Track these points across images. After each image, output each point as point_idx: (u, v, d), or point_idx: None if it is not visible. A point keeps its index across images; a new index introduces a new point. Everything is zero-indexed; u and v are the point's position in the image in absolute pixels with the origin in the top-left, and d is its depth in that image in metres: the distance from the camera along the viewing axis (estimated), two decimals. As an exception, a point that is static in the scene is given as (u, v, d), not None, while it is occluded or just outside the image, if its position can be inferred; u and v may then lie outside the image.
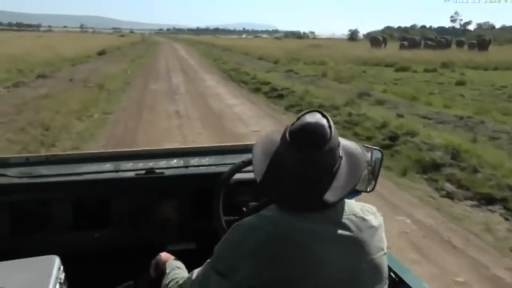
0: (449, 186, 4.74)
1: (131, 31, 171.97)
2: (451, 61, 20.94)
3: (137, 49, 34.90)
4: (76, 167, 1.75)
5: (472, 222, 3.87)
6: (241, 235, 0.95)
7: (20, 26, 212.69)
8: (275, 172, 0.97)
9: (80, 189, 1.65)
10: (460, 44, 40.98)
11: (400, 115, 8.20)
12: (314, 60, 21.33)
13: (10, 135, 6.15)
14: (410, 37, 44.50)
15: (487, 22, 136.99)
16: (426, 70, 18.37)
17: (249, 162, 1.32)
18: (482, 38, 38.94)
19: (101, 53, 25.29)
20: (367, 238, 0.95)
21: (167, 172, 1.72)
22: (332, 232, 0.92)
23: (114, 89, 11.47)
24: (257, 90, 12.12)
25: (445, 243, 3.45)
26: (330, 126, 0.94)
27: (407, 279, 1.25)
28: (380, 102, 9.88)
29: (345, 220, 0.94)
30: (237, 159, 1.52)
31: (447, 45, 39.34)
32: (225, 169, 1.48)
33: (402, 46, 35.18)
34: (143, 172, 1.69)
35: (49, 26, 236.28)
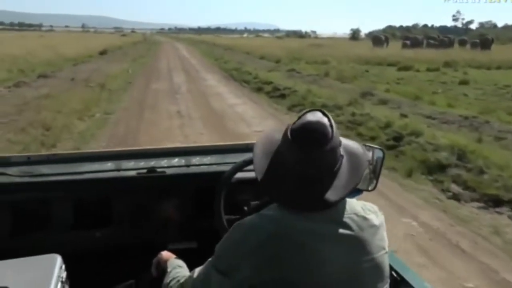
0: (455, 188, 4.67)
1: (133, 31, 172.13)
2: (454, 60, 20.82)
3: (138, 48, 34.86)
4: (77, 166, 1.75)
5: (479, 225, 3.79)
6: (242, 234, 0.94)
7: (22, 26, 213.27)
8: (276, 171, 0.97)
9: (81, 188, 1.65)
10: (462, 43, 40.80)
11: (404, 115, 8.12)
12: (316, 59, 21.25)
13: (10, 136, 6.10)
14: (413, 36, 44.34)
15: (490, 21, 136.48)
16: (428, 69, 18.27)
17: (250, 161, 1.31)
18: (485, 37, 38.79)
19: (103, 52, 25.27)
20: (368, 237, 0.94)
21: (169, 171, 1.72)
22: (333, 232, 0.92)
23: (115, 88, 11.42)
24: (259, 89, 12.06)
25: (452, 246, 3.38)
26: (331, 125, 0.93)
27: (408, 278, 1.25)
28: (383, 102, 9.80)
29: (346, 219, 0.94)
30: (238, 158, 1.51)
31: (449, 44, 39.20)
32: (226, 168, 1.47)
33: (404, 45, 35.05)
34: (144, 171, 1.69)
35: (51, 26, 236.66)
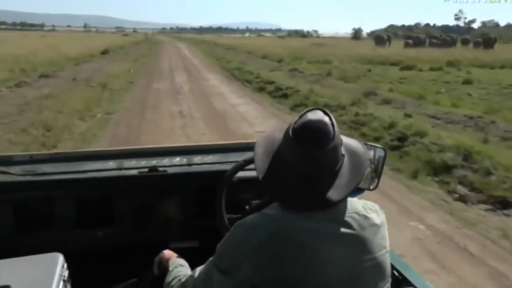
0: (461, 189, 4.59)
1: (134, 31, 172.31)
2: (457, 59, 20.70)
3: (140, 48, 34.84)
4: (80, 165, 1.76)
5: (487, 227, 3.71)
6: (244, 233, 0.94)
7: (24, 26, 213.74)
8: (277, 170, 0.96)
9: (83, 187, 1.65)
10: (465, 42, 40.64)
11: (408, 115, 8.04)
12: (318, 59, 21.16)
13: (11, 136, 6.06)
14: (415, 36, 44.20)
15: (492, 20, 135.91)
16: (431, 69, 18.17)
17: (251, 161, 1.30)
18: (488, 36, 38.59)
19: (104, 52, 25.25)
20: (369, 236, 0.94)
21: (170, 170, 1.72)
22: (334, 231, 0.92)
23: (117, 88, 11.37)
24: (261, 89, 11.99)
25: (461, 250, 3.30)
26: (333, 124, 0.93)
27: (410, 277, 1.24)
28: (386, 102, 9.72)
29: (347, 218, 0.94)
30: (240, 157, 1.51)
31: (452, 43, 39.07)
32: (228, 167, 1.46)
33: (406, 45, 34.94)
34: (146, 170, 1.69)
35: (53, 26, 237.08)
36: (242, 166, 1.42)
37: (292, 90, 11.04)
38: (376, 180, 1.44)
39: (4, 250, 1.30)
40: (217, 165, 1.80)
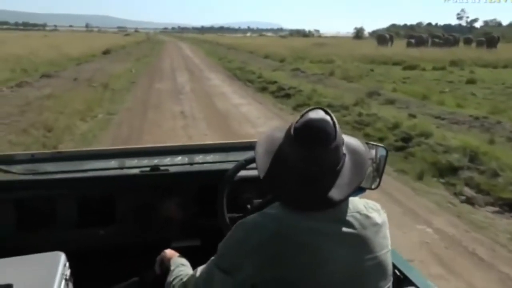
0: (468, 191, 4.51)
1: (136, 30, 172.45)
2: (460, 59, 20.59)
3: (142, 48, 34.80)
4: (81, 164, 1.77)
5: (496, 231, 3.63)
6: (245, 233, 0.94)
7: (26, 26, 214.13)
8: (278, 169, 0.96)
9: (85, 186, 1.65)
10: (467, 41, 40.46)
11: (412, 115, 7.95)
12: (321, 58, 21.09)
13: (11, 137, 6.00)
14: (417, 35, 44.05)
15: (494, 19, 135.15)
16: (434, 68, 18.07)
17: (252, 160, 1.28)
18: (491, 35, 38.41)
19: (106, 52, 25.22)
20: (371, 236, 0.94)
21: (172, 169, 1.72)
22: (336, 231, 0.91)
23: (118, 88, 11.31)
24: (263, 89, 11.92)
25: (469, 254, 3.22)
26: (334, 124, 0.93)
27: (411, 276, 1.23)
28: (390, 102, 9.64)
29: (349, 217, 0.93)
30: (242, 156, 1.51)
31: (454, 42, 38.93)
32: (229, 166, 1.46)
33: (409, 44, 34.84)
34: (147, 169, 1.69)
35: (55, 26, 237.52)
36: (243, 165, 1.41)
37: (294, 90, 10.97)
38: (377, 179, 1.44)
39: (6, 249, 1.31)
40: (218, 164, 1.80)
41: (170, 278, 1.18)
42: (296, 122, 0.94)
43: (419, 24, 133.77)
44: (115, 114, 8.15)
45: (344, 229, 0.92)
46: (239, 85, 13.10)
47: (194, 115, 8.22)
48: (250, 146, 1.68)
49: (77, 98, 9.03)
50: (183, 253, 1.32)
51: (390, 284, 0.98)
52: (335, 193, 0.91)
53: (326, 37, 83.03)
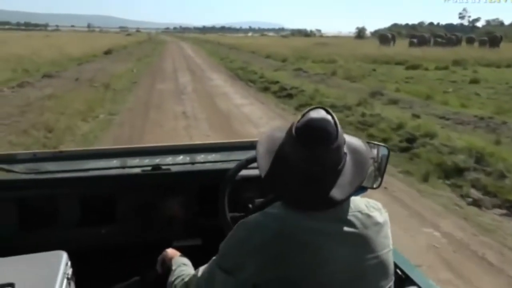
0: (474, 193, 4.43)
1: (138, 30, 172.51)
2: (462, 58, 20.49)
3: (143, 48, 34.77)
4: (83, 163, 1.78)
5: (504, 234, 3.55)
6: (247, 232, 0.93)
7: (28, 26, 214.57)
8: (279, 169, 0.96)
9: (87, 185, 1.66)
10: (470, 41, 40.31)
11: (416, 115, 7.88)
12: (323, 58, 21.01)
13: (12, 138, 5.95)
14: (420, 35, 43.92)
15: (496, 19, 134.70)
16: (437, 68, 17.99)
17: (253, 159, 1.30)
18: (493, 34, 38.26)
19: (108, 52, 25.19)
20: (372, 235, 0.93)
21: (173, 169, 1.72)
22: (337, 230, 0.91)
23: (120, 88, 11.26)
24: (265, 89, 11.85)
25: (478, 259, 3.14)
26: (335, 123, 0.93)
27: (413, 276, 1.23)
28: (393, 102, 9.56)
29: (350, 217, 0.93)
30: (243, 155, 1.51)
31: (457, 42, 38.82)
32: (231, 165, 1.45)
33: (411, 44, 34.72)
34: (149, 168, 1.69)
35: (57, 26, 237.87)
36: (244, 165, 1.41)
37: (297, 90, 10.90)
38: (379, 179, 1.44)
39: (8, 248, 1.31)
40: (220, 163, 1.80)
41: (171, 278, 1.18)
42: (298, 122, 0.94)
43: (420, 24, 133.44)
44: (117, 115, 8.09)
45: (346, 228, 0.91)
46: (241, 85, 13.04)
47: (196, 116, 8.16)
48: (251, 146, 1.69)
49: (78, 98, 8.98)
50: (184, 252, 1.32)
51: (391, 283, 0.98)
52: (336, 193, 0.90)
53: (327, 36, 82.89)
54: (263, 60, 21.95)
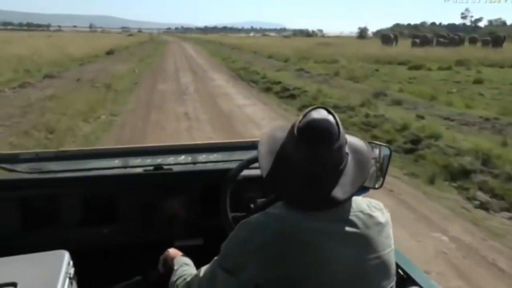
0: (482, 196, 4.35)
1: (140, 31, 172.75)
2: (466, 58, 20.40)
3: (145, 48, 34.74)
4: (85, 163, 1.78)
5: (514, 239, 3.47)
6: (248, 232, 0.93)
7: (30, 26, 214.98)
8: (281, 169, 0.95)
9: (89, 185, 1.66)
10: (473, 41, 40.17)
11: (420, 116, 7.79)
12: (325, 58, 20.93)
13: (12, 139, 5.89)
14: (422, 35, 43.78)
15: (499, 19, 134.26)
16: (440, 68, 17.90)
17: (255, 159, 1.29)
18: (497, 34, 38.10)
19: (110, 52, 25.17)
20: (374, 235, 0.93)
21: (175, 169, 1.72)
22: (339, 230, 0.91)
23: (121, 89, 11.21)
24: (267, 89, 11.78)
25: (489, 265, 3.06)
26: (337, 123, 0.92)
27: (415, 276, 1.22)
28: (397, 102, 9.47)
29: (352, 217, 0.93)
30: (245, 155, 1.51)
31: (459, 42, 38.67)
32: (232, 165, 1.45)
33: (414, 44, 34.61)
34: (151, 168, 1.69)
35: (59, 26, 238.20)
36: (246, 164, 1.41)
37: (299, 90, 10.83)
38: (381, 179, 1.43)
39: (10, 247, 1.32)
40: (222, 163, 1.80)
41: (173, 278, 1.18)
42: (299, 122, 0.93)
43: (423, 24, 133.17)
44: (118, 116, 8.03)
45: (347, 228, 0.91)
46: (243, 86, 12.97)
47: (198, 117, 8.09)
48: (253, 146, 1.70)
49: (79, 99, 8.93)
50: (186, 252, 1.33)
51: (393, 283, 0.98)
52: (338, 193, 0.90)
53: (329, 37, 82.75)
54: (265, 60, 21.88)
